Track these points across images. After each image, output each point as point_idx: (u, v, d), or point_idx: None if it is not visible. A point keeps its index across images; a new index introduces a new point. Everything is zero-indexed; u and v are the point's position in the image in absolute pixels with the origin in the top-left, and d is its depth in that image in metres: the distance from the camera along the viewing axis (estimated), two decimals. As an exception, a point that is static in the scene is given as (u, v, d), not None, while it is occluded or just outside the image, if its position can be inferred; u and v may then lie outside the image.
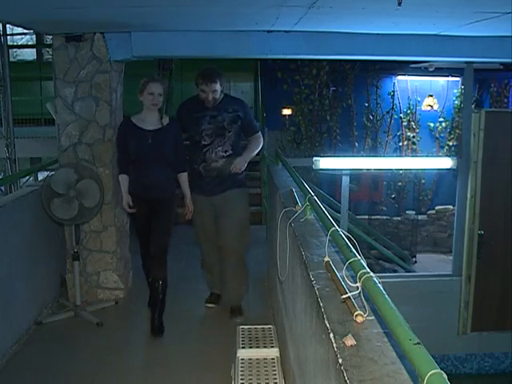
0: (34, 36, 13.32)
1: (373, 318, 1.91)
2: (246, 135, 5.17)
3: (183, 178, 5.01)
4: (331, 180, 11.00)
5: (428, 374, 1.21)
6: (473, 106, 8.94)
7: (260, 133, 5.22)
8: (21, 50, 15.18)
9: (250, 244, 5.69)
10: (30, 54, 14.75)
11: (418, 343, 1.35)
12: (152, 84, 4.72)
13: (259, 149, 5.23)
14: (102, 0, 3.88)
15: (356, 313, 1.88)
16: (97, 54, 5.26)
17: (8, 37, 7.24)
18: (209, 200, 5.09)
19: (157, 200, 4.86)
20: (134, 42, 5.20)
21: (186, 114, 5.05)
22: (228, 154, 4.96)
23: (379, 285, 1.77)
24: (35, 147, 10.32)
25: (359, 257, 2.06)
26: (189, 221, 5.26)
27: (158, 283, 4.81)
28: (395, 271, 10.52)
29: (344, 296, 2.01)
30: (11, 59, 9.26)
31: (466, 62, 7.44)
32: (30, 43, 14.65)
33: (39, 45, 13.34)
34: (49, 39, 10.14)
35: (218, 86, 4.84)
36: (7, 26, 6.98)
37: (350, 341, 1.72)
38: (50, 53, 7.77)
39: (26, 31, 10.43)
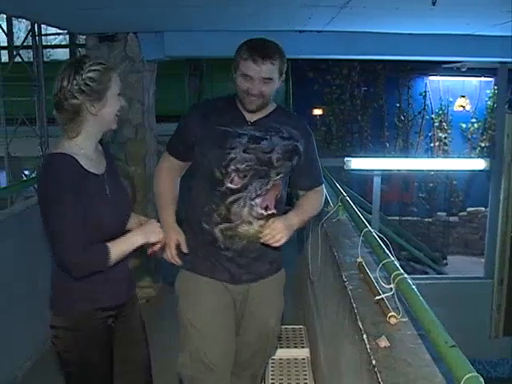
0: (67, 36, 13.46)
1: (406, 319, 1.90)
2: (295, 185, 2.94)
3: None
4: (361, 180, 10.95)
5: (464, 378, 1.20)
6: (506, 107, 8.84)
7: (323, 186, 3.01)
8: (54, 50, 15.37)
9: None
10: (63, 54, 14.93)
11: (454, 346, 1.34)
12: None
13: (317, 212, 3.00)
14: (136, 0, 3.91)
15: (390, 314, 1.87)
16: (130, 54, 5.30)
17: (42, 37, 7.30)
18: (227, 290, 2.84)
19: (124, 304, 2.54)
20: (166, 42, 5.23)
21: (203, 123, 2.72)
22: (269, 212, 2.73)
23: (413, 286, 1.76)
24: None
25: (393, 258, 2.05)
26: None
27: None
28: (426, 273, 10.44)
29: (377, 297, 2.00)
30: (45, 59, 9.36)
31: (500, 62, 7.35)
32: (63, 43, 14.81)
33: (72, 45, 13.48)
34: (82, 39, 10.24)
35: (275, 73, 2.63)
36: (42, 26, 7.05)
37: (383, 342, 1.72)
38: (83, 53, 7.85)
39: (59, 31, 10.55)
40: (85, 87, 2.18)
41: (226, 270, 2.78)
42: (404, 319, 1.89)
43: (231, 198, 2.67)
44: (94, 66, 2.21)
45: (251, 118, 2.71)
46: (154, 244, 2.49)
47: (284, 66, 2.70)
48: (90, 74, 2.19)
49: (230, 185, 2.66)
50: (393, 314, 1.87)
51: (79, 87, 2.18)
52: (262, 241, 2.61)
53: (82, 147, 2.28)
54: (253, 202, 2.69)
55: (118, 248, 2.29)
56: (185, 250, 2.75)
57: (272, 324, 3.05)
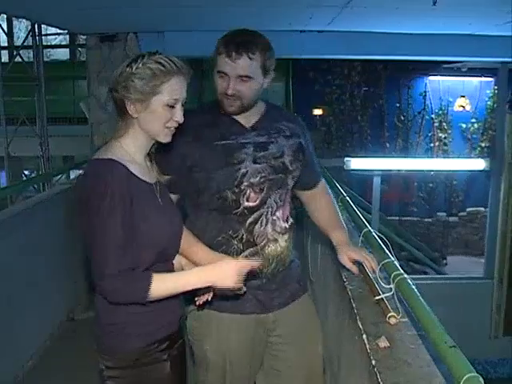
0: (68, 36, 13.48)
1: (406, 319, 1.90)
2: (300, 184, 2.56)
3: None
4: (361, 180, 10.95)
5: (464, 378, 1.21)
6: (507, 107, 8.84)
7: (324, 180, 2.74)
8: (54, 49, 15.39)
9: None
10: (63, 54, 14.96)
11: (454, 346, 1.34)
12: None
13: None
14: (136, 0, 3.92)
15: (389, 314, 1.87)
16: (130, 54, 5.29)
17: (42, 37, 7.31)
18: (257, 322, 2.43)
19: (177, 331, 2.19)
20: (166, 41, 5.24)
21: (198, 143, 2.29)
22: (290, 223, 2.45)
23: (413, 286, 1.76)
24: (68, 146, 10.46)
25: (393, 258, 2.06)
26: None
27: None
28: (425, 273, 10.44)
29: (377, 297, 2.00)
30: (45, 59, 9.38)
31: (501, 62, 7.35)
32: (63, 43, 14.83)
33: (73, 45, 13.52)
34: (82, 39, 10.27)
35: (254, 69, 2.21)
36: (42, 26, 7.06)
37: (383, 342, 1.72)
38: (84, 53, 7.86)
39: (59, 31, 10.55)
40: (128, 82, 1.91)
41: (253, 298, 2.38)
42: (404, 319, 1.89)
43: (251, 219, 2.31)
44: (150, 63, 1.91)
45: (248, 122, 2.35)
46: (207, 291, 2.06)
47: (269, 62, 2.25)
48: (140, 70, 1.91)
49: (247, 203, 2.29)
50: (393, 314, 1.87)
51: (124, 80, 1.91)
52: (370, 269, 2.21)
53: (131, 152, 1.98)
54: (274, 217, 2.36)
55: (163, 284, 1.92)
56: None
57: (312, 357, 2.60)
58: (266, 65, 2.23)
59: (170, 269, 2.10)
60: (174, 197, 2.25)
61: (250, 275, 2.05)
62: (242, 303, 2.33)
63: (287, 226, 2.41)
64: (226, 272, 1.94)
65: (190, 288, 1.94)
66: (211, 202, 2.31)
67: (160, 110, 1.92)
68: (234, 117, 2.32)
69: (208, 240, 2.28)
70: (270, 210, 2.34)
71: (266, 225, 2.33)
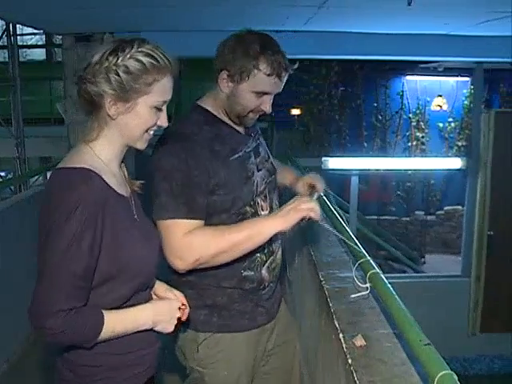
0: (44, 36, 13.37)
1: (382, 318, 1.90)
2: None
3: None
4: (339, 179, 10.98)
5: (438, 375, 1.21)
6: (482, 106, 8.92)
7: None
8: (31, 50, 15.26)
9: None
10: (39, 54, 14.82)
11: (428, 344, 1.35)
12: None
13: None
14: (111, 0, 3.90)
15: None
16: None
17: (18, 37, 7.24)
18: (263, 332, 2.36)
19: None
20: (143, 41, 5.21)
21: (218, 162, 2.08)
22: None
23: (389, 285, 1.77)
24: (45, 147, 10.35)
25: (369, 257, 2.06)
26: None
27: None
28: (404, 272, 10.49)
29: (353, 295, 2.00)
30: (21, 59, 9.30)
31: (476, 62, 7.41)
32: (39, 43, 14.71)
33: (49, 45, 13.40)
34: (59, 39, 10.18)
35: None
36: (17, 25, 6.99)
37: (359, 341, 1.72)
38: (60, 53, 7.80)
39: (35, 31, 10.47)
40: (113, 76, 1.54)
41: (263, 310, 2.30)
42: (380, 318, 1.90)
43: None
44: (141, 56, 1.56)
45: (240, 127, 2.23)
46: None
47: None
48: (129, 63, 1.54)
49: (262, 212, 2.20)
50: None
51: (107, 72, 1.55)
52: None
53: (105, 160, 1.63)
54: None
55: (115, 326, 1.60)
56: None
57: (296, 351, 2.62)
58: None
59: (150, 298, 1.79)
60: (200, 225, 2.02)
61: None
62: (255, 317, 2.27)
63: None
64: (162, 311, 1.71)
65: (142, 328, 1.67)
66: (227, 221, 2.09)
67: (146, 113, 1.61)
68: (232, 125, 2.19)
69: (232, 260, 2.08)
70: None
71: None
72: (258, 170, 2.21)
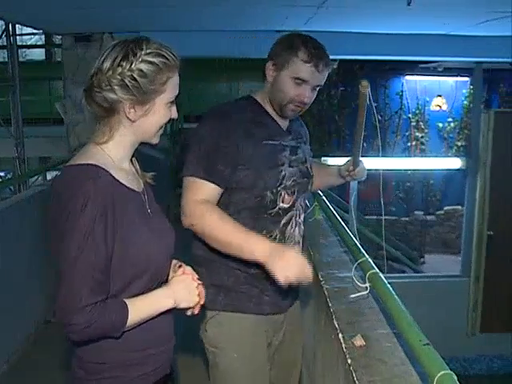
0: (43, 36, 13.37)
1: (382, 318, 1.91)
2: None
3: None
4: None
5: (438, 375, 1.21)
6: (482, 107, 8.92)
7: None
8: (30, 50, 15.25)
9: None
10: (39, 54, 14.82)
11: (428, 344, 1.35)
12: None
13: None
14: (111, 0, 3.90)
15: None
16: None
17: (17, 37, 7.23)
18: (271, 323, 2.40)
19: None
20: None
21: (249, 139, 2.21)
22: (303, 227, 2.49)
23: (388, 285, 1.77)
24: (44, 147, 10.36)
25: (368, 257, 2.06)
26: None
27: None
28: (403, 272, 10.48)
29: (353, 295, 2.00)
30: (20, 59, 9.29)
31: (476, 62, 7.42)
32: (39, 43, 14.70)
33: (48, 45, 13.39)
34: (58, 39, 10.18)
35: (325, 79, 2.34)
36: (17, 25, 6.99)
37: (359, 341, 1.72)
38: (60, 53, 7.80)
39: (35, 31, 10.46)
40: (130, 81, 1.55)
41: (269, 300, 2.33)
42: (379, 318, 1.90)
43: (284, 220, 2.30)
44: (152, 57, 1.58)
45: (284, 124, 2.35)
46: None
47: None
48: (142, 66, 1.56)
49: (282, 204, 2.28)
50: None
51: (122, 78, 1.55)
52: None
53: (116, 160, 1.64)
54: (299, 220, 2.40)
55: (139, 310, 1.61)
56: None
57: (301, 351, 2.64)
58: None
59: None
60: (220, 194, 2.18)
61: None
62: (261, 304, 2.30)
63: (303, 229, 2.44)
64: (182, 288, 1.71)
65: (164, 309, 1.67)
66: (247, 201, 2.23)
67: (162, 110, 1.64)
68: (275, 118, 2.32)
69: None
70: (298, 212, 2.37)
71: (295, 227, 2.35)
72: (290, 166, 2.30)
